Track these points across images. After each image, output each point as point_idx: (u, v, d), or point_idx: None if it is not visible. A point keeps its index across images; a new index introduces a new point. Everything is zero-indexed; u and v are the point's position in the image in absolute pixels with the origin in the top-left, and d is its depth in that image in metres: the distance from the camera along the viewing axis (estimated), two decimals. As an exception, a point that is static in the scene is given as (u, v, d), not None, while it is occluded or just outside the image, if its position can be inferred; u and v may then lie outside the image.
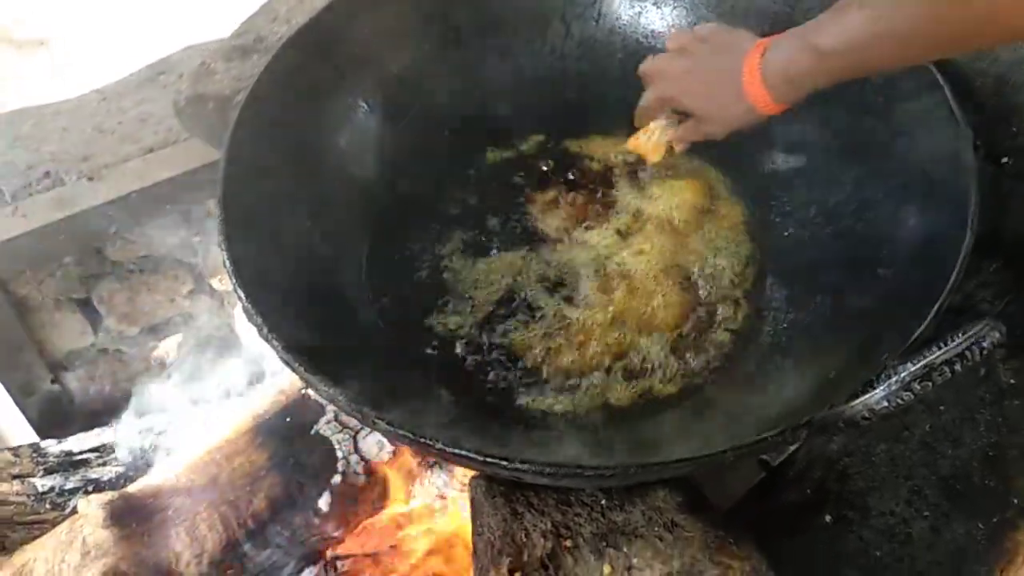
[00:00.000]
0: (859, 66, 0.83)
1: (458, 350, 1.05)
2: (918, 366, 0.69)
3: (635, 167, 1.22)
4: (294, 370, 0.85)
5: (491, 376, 1.02)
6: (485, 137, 1.27)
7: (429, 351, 1.05)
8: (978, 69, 1.04)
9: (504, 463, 0.74)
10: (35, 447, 1.26)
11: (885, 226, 1.00)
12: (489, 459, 0.76)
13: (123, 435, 1.26)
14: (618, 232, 1.15)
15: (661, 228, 1.15)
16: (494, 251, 1.14)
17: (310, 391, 1.20)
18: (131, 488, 1.14)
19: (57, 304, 1.50)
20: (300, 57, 1.11)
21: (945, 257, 0.85)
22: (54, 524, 1.15)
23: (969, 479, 0.96)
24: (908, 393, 0.69)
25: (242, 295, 0.88)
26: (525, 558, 0.81)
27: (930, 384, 0.68)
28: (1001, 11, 0.69)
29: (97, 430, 1.28)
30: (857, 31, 0.78)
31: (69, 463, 1.25)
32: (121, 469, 1.25)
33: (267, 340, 0.86)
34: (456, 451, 0.76)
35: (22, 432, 1.44)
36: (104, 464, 1.25)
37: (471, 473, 0.96)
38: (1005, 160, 1.05)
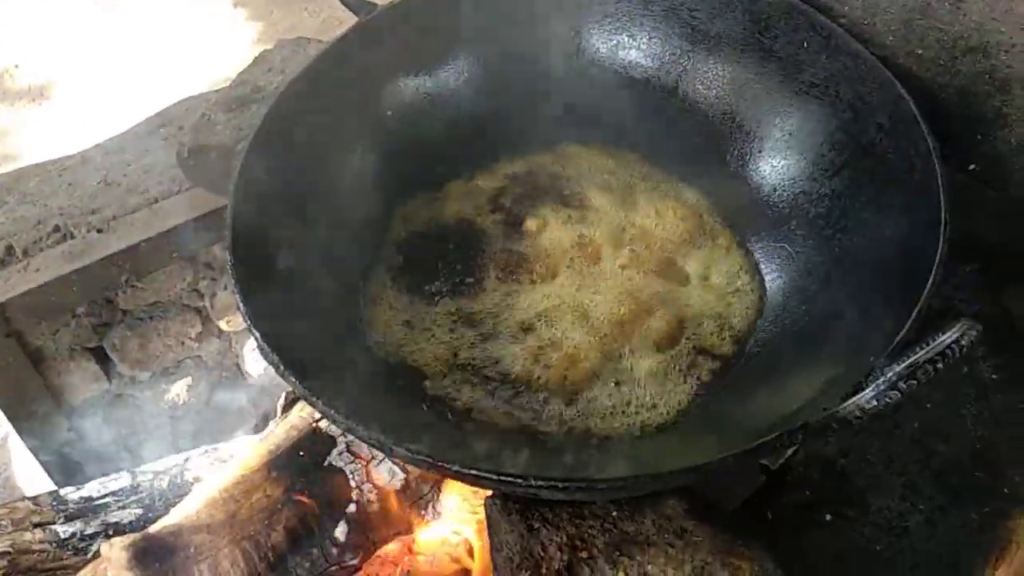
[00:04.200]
0: None
1: (462, 378, 1.08)
2: (903, 366, 0.73)
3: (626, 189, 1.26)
4: (312, 404, 0.88)
5: (496, 401, 1.05)
6: (475, 168, 1.31)
7: (434, 381, 1.09)
8: (940, 83, 1.10)
9: (520, 481, 0.78)
10: (54, 495, 1.29)
11: (864, 235, 1.05)
12: (505, 478, 0.79)
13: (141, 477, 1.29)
14: (606, 254, 1.19)
15: (648, 247, 1.20)
16: (491, 283, 1.18)
17: (324, 424, 1.23)
18: (152, 529, 1.16)
19: (71, 353, 1.54)
20: (297, 105, 1.15)
21: (922, 263, 0.89)
22: (77, 569, 1.17)
23: (960, 472, 1.00)
24: (895, 392, 0.73)
25: (258, 337, 0.91)
26: (544, 571, 0.84)
27: (915, 382, 0.73)
28: None
29: (114, 474, 1.31)
30: None
31: (89, 508, 1.27)
32: (140, 511, 1.28)
33: (285, 378, 0.89)
34: (474, 472, 0.80)
35: (41, 481, 1.46)
36: (123, 507, 1.28)
37: (483, 494, 0.99)
38: (972, 167, 1.10)
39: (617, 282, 1.16)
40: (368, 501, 1.22)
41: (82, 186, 1.51)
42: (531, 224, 1.24)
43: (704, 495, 0.94)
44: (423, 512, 1.23)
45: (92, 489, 1.28)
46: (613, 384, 1.05)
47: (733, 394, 1.03)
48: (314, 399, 0.87)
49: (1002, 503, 0.98)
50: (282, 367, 0.89)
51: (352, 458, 1.24)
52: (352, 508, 1.21)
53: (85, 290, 1.44)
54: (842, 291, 1.03)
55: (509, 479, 0.79)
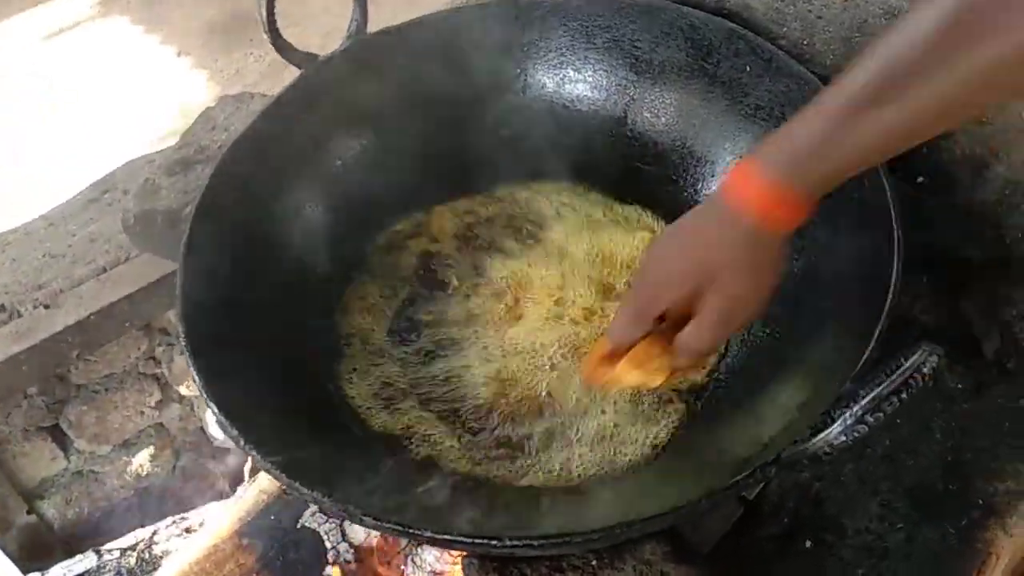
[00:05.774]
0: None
1: (423, 429, 1.06)
2: (867, 399, 0.73)
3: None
4: (275, 477, 0.86)
5: (465, 462, 1.03)
6: (428, 211, 1.30)
7: (400, 443, 1.06)
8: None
9: (494, 543, 0.77)
10: (19, 582, 1.25)
11: (822, 254, 1.05)
12: (478, 540, 0.78)
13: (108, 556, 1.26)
14: (567, 288, 1.18)
15: (608, 279, 1.19)
16: (453, 328, 1.16)
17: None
18: (123, 610, 1.13)
19: (26, 434, 1.49)
20: (242, 164, 1.13)
21: (880, 279, 0.89)
22: (47, 659, 1.13)
23: (933, 487, 1.00)
24: (863, 425, 0.73)
25: (215, 409, 0.89)
26: (526, 629, 0.83)
27: (881, 415, 0.72)
28: None
29: (79, 555, 1.27)
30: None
31: (55, 593, 1.23)
32: (110, 592, 1.24)
33: (246, 451, 0.87)
34: (446, 537, 0.78)
35: (5, 568, 1.41)
36: (91, 589, 1.24)
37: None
38: (920, 179, 1.11)
39: (580, 316, 1.15)
40: (345, 561, 1.20)
41: (26, 260, 1.47)
42: (488, 264, 1.23)
43: (683, 535, 0.93)
44: (403, 567, 1.21)
45: (57, 573, 1.25)
46: (583, 427, 1.04)
47: (705, 426, 1.02)
48: (277, 472, 0.84)
49: (977, 515, 0.98)
50: (241, 440, 0.87)
51: (326, 519, 1.22)
52: (329, 570, 1.19)
53: (36, 369, 1.40)
54: (804, 312, 1.03)
55: (483, 541, 0.77)
